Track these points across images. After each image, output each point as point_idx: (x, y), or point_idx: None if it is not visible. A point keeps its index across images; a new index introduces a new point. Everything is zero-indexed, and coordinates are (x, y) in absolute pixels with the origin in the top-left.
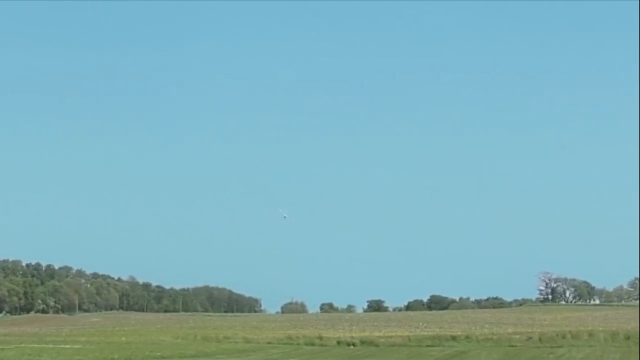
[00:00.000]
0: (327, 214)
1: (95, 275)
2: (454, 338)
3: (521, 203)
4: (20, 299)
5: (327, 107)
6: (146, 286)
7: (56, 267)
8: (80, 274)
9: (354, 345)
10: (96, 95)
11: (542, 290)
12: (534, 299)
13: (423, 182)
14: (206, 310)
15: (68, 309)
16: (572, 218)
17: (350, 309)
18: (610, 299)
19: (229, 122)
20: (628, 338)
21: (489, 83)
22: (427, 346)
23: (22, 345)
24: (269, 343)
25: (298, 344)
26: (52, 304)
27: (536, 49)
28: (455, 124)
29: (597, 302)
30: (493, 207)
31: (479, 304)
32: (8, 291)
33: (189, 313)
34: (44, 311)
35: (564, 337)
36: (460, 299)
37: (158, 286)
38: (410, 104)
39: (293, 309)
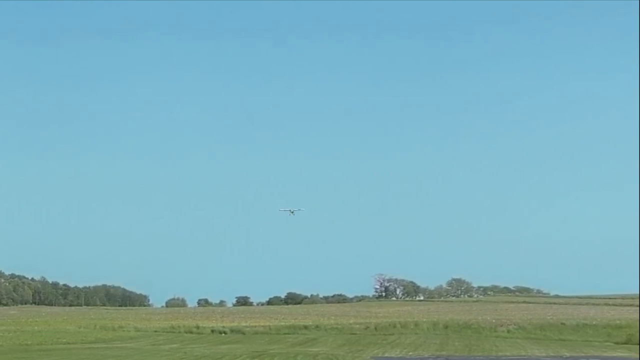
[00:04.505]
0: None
1: (12, 276)
2: (306, 327)
3: (363, 210)
4: None
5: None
6: (55, 285)
7: None
8: None
9: (225, 333)
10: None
11: (377, 288)
12: (370, 295)
13: (283, 194)
14: (104, 305)
15: None
16: (401, 225)
17: (221, 303)
18: (432, 296)
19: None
20: (446, 327)
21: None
22: (285, 334)
23: None
24: (156, 331)
25: (179, 332)
26: None
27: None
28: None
29: (422, 298)
30: (337, 215)
31: (326, 299)
32: None
33: (90, 307)
34: None
35: (394, 326)
36: (312, 295)
37: (64, 285)
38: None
39: (175, 303)
